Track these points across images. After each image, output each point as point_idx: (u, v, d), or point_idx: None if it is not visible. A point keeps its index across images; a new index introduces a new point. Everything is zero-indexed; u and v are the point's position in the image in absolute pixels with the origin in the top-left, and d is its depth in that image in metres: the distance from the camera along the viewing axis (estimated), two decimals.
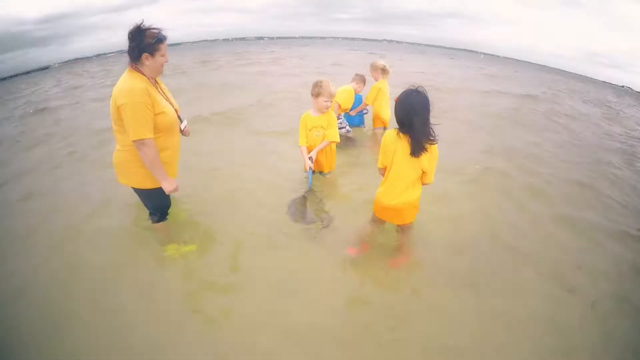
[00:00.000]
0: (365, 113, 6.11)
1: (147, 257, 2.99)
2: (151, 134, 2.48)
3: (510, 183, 4.73)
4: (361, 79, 5.69)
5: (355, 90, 5.61)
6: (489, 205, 4.06)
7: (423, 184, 2.66)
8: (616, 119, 11.60)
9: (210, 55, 23.67)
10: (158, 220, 3.02)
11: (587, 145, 7.29)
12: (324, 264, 2.96)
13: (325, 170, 3.93)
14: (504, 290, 2.83)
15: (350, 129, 5.70)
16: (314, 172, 3.79)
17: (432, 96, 2.39)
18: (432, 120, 2.43)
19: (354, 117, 6.01)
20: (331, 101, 3.47)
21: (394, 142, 2.50)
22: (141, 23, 2.41)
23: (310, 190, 3.64)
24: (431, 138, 2.44)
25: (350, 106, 5.62)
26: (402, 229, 2.99)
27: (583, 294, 2.85)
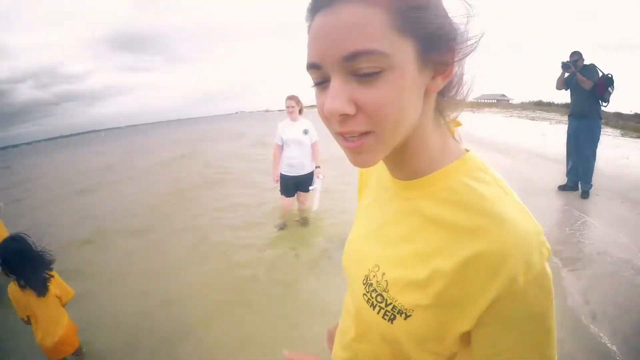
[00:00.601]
0: None
1: None
2: None
3: None
4: None
5: None
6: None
7: (66, 304, 2.74)
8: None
9: None
10: None
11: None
12: None
13: None
14: None
15: None
16: None
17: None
18: None
19: None
20: None
21: (22, 295, 2.49)
22: None
23: None
24: (49, 272, 2.58)
25: None
26: (79, 354, 2.88)
27: None
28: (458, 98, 0.60)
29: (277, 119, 5.07)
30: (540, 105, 41.34)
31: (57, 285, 2.67)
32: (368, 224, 0.74)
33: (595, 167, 5.72)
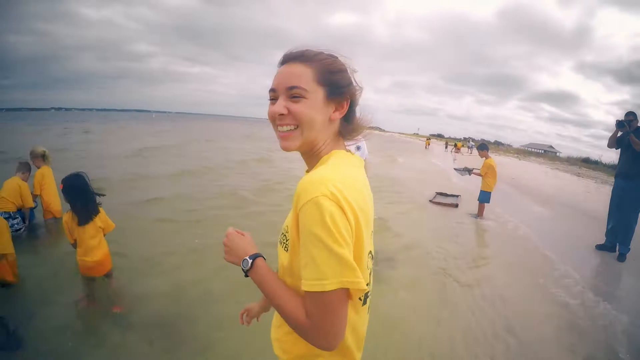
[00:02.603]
0: (35, 207, 5.53)
1: None
2: None
3: None
4: (26, 167, 5.24)
5: (21, 179, 5.09)
6: None
7: (107, 233, 3.42)
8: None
9: None
10: None
11: None
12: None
13: (10, 279, 3.53)
14: None
15: (24, 226, 5.13)
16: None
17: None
18: None
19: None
20: None
21: (72, 222, 3.16)
22: None
23: None
24: (98, 206, 3.26)
25: (27, 201, 5.10)
26: (109, 276, 3.59)
27: None
28: (352, 127, 1.07)
29: None
30: (587, 163, 40.18)
31: (102, 219, 3.30)
32: None
33: (635, 232, 5.59)
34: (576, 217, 9.01)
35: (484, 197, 7.36)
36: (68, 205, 3.16)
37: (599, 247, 6.02)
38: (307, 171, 1.07)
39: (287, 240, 0.98)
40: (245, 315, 1.45)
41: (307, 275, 0.85)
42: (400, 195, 9.43)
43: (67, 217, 3.17)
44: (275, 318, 1.16)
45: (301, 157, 1.08)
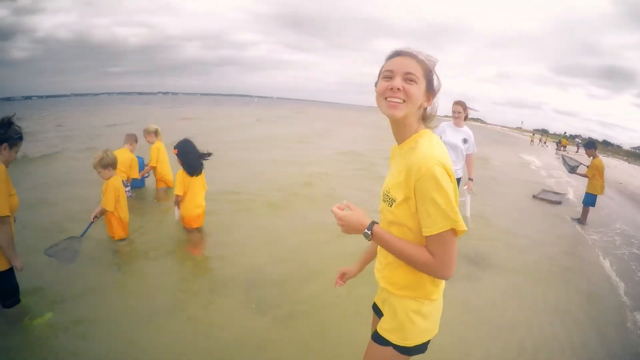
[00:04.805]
0: (147, 177, 6.22)
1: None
2: (8, 212, 2.47)
3: None
4: (134, 139, 5.72)
5: (130, 151, 5.58)
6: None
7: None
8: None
9: None
10: (13, 304, 2.81)
11: None
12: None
13: (115, 237, 3.95)
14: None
15: (132, 193, 5.62)
16: (110, 237, 4.00)
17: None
18: None
19: (137, 180, 5.93)
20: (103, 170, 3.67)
21: (185, 176, 4.05)
22: (12, 116, 2.55)
23: (78, 239, 3.50)
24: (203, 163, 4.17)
25: (134, 173, 5.64)
26: (200, 230, 4.49)
27: None
28: (429, 113, 1.38)
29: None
30: None
31: (203, 178, 4.24)
32: (391, 170, 1.48)
33: None
34: None
35: (589, 200, 6.59)
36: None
37: None
38: (399, 143, 1.42)
39: (390, 200, 1.34)
40: (342, 277, 1.79)
41: (429, 224, 1.21)
42: (503, 191, 9.16)
43: (182, 172, 4.06)
44: (378, 262, 1.56)
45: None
